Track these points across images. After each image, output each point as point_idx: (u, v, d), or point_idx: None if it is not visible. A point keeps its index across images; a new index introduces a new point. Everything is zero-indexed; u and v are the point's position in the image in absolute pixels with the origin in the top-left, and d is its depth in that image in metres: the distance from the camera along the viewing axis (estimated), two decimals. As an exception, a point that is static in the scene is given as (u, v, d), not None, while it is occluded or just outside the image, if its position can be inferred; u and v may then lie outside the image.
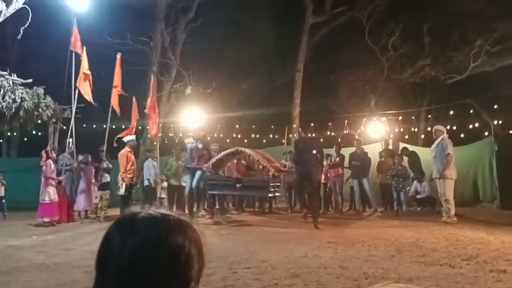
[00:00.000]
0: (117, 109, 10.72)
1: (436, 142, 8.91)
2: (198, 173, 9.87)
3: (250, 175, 11.17)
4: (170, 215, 0.94)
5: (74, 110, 10.25)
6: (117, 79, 10.67)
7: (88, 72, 10.16)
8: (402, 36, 16.31)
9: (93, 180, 10.32)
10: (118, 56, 10.82)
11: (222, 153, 9.87)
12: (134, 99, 11.49)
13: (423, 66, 16.74)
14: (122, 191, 9.36)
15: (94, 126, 13.80)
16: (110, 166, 10.48)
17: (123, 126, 12.41)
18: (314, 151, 8.80)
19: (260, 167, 11.13)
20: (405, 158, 11.69)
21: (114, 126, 12.03)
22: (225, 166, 10.69)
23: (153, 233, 0.88)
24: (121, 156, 9.61)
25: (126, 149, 9.77)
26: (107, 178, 10.32)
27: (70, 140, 10.12)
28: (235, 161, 11.51)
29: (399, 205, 10.86)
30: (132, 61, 14.09)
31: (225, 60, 17.17)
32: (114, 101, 10.59)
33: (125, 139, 10.06)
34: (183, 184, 10.80)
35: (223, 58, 17.15)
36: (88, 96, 10.18)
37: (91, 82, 10.28)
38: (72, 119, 10.15)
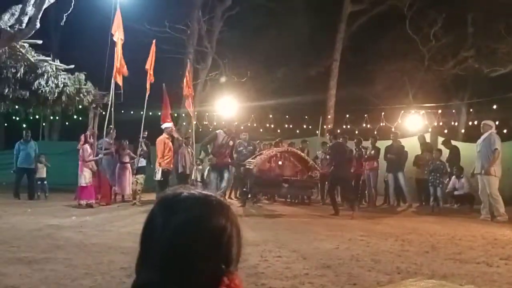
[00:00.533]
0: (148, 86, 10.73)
1: (482, 137, 8.53)
2: (226, 174, 9.59)
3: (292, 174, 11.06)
4: (212, 195, 0.94)
5: (111, 96, 10.38)
6: (149, 64, 10.74)
7: (119, 65, 10.05)
8: (445, 26, 15.72)
9: (128, 165, 10.56)
10: (154, 41, 10.97)
11: (271, 151, 9.86)
12: (164, 87, 11.60)
13: (466, 58, 16.10)
14: (158, 176, 9.55)
15: (132, 112, 14.09)
16: (146, 149, 10.73)
17: (159, 113, 12.61)
18: (347, 155, 9.53)
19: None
20: (443, 153, 11.32)
21: (150, 113, 12.22)
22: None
23: (195, 214, 0.88)
24: (159, 142, 9.82)
25: (164, 135, 9.97)
26: (142, 162, 10.55)
27: (111, 126, 10.37)
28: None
29: (435, 201, 10.56)
30: (166, 49, 14.20)
31: (260, 49, 17.11)
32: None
33: (163, 126, 10.26)
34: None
35: (258, 47, 17.10)
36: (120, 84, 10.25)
37: (123, 74, 10.26)
38: (111, 105, 10.32)
